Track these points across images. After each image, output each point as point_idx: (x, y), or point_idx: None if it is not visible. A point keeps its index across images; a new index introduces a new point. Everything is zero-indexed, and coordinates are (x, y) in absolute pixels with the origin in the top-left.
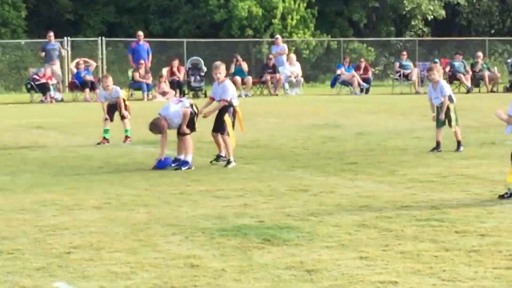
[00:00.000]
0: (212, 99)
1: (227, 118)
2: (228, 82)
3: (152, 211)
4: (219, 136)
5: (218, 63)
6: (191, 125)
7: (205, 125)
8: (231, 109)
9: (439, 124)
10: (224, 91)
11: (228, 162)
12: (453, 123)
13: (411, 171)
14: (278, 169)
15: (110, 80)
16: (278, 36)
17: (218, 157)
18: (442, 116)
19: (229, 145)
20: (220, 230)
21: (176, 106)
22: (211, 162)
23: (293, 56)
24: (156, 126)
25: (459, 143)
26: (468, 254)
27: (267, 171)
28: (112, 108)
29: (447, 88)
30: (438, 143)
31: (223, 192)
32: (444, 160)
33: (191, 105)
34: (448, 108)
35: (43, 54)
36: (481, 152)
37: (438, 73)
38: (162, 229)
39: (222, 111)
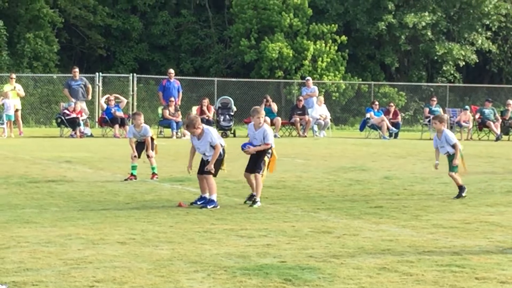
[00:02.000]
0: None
1: (266, 159)
2: (267, 127)
3: (175, 248)
4: (252, 176)
5: (258, 108)
6: (217, 168)
7: (232, 165)
8: (270, 150)
9: (454, 169)
10: (266, 136)
11: (254, 201)
12: (460, 169)
13: (435, 217)
14: (303, 210)
15: (141, 118)
16: (309, 78)
17: (251, 196)
18: (456, 161)
19: (261, 186)
20: (242, 269)
21: (217, 134)
22: (245, 202)
23: (321, 98)
24: (191, 120)
25: (460, 188)
26: None
27: (291, 211)
28: (140, 146)
29: (452, 136)
30: (460, 187)
31: (247, 231)
32: (469, 207)
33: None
34: (453, 155)
35: (66, 91)
36: (507, 200)
37: (442, 123)
38: (185, 266)
39: (263, 152)
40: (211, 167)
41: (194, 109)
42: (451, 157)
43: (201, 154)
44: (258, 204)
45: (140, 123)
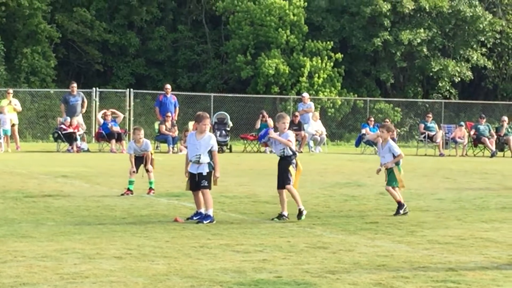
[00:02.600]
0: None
1: (292, 169)
2: (290, 133)
3: (172, 263)
4: (285, 191)
5: (283, 113)
6: (211, 181)
7: (228, 180)
8: (294, 161)
9: (393, 183)
10: (288, 137)
11: (301, 213)
12: (399, 182)
13: (430, 232)
14: (299, 225)
15: (142, 133)
16: (305, 94)
17: (280, 216)
18: (388, 165)
19: (297, 195)
20: (238, 284)
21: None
22: (272, 219)
23: (317, 114)
24: (204, 114)
25: (399, 204)
26: None
27: (287, 227)
28: (139, 160)
29: (397, 147)
30: (399, 203)
31: (243, 246)
32: (464, 223)
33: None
34: (391, 168)
35: (62, 106)
36: (502, 216)
37: (389, 133)
38: (181, 281)
39: (286, 163)
40: (217, 175)
41: (191, 124)
42: (389, 170)
43: (193, 157)
44: (304, 213)
45: (140, 138)
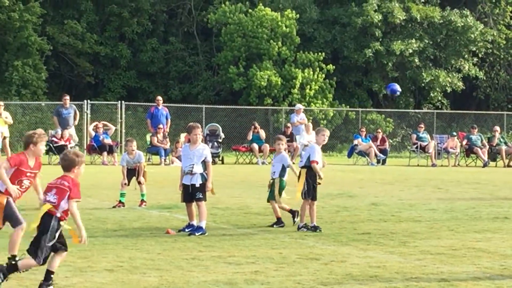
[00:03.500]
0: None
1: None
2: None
3: (163, 275)
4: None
5: (322, 127)
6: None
7: (221, 191)
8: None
9: (271, 196)
10: (313, 151)
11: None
12: (277, 198)
13: (423, 243)
14: (291, 237)
15: (134, 145)
16: (300, 106)
17: (315, 228)
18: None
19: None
20: None
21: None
22: (299, 228)
23: (310, 125)
24: (195, 124)
25: (278, 220)
26: None
27: (279, 238)
28: (131, 173)
29: (289, 159)
30: (278, 219)
31: (235, 258)
32: (456, 233)
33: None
34: (273, 183)
35: (55, 119)
36: (494, 226)
37: (283, 146)
38: None
39: (313, 175)
40: (209, 186)
41: (183, 136)
42: (273, 185)
43: (186, 167)
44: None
45: (133, 150)
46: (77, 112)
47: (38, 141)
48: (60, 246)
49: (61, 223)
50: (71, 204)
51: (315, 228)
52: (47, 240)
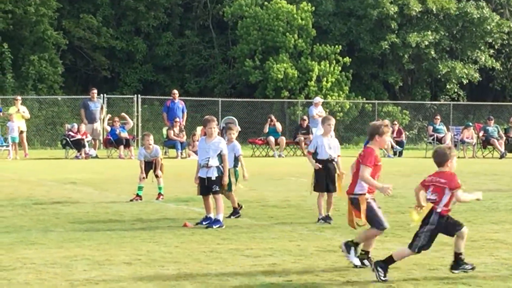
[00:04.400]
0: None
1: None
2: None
3: (181, 268)
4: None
5: (330, 116)
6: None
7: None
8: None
9: (228, 187)
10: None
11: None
12: (233, 187)
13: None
14: (308, 229)
15: (151, 139)
16: (319, 98)
17: (327, 218)
18: (226, 179)
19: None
20: None
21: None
22: (318, 220)
23: None
24: (211, 117)
25: (234, 210)
26: None
27: (297, 231)
28: (148, 166)
29: (240, 148)
30: (234, 209)
31: (252, 251)
32: (474, 225)
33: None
34: (228, 174)
35: (82, 112)
36: None
37: (235, 135)
38: (191, 286)
39: (335, 167)
40: (225, 179)
41: (199, 129)
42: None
43: (202, 160)
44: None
45: (150, 144)
46: (104, 107)
47: (384, 131)
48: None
49: None
50: (457, 195)
51: (324, 219)
52: (425, 230)
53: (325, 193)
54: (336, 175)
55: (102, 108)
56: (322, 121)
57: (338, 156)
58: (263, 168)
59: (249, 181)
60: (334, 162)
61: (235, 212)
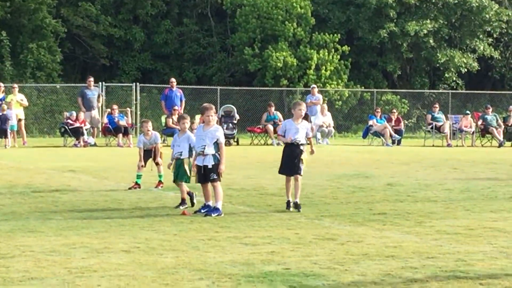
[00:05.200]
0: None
1: (304, 158)
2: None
3: (180, 256)
4: (293, 178)
5: (300, 101)
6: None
7: (236, 173)
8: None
9: (183, 177)
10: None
11: (298, 205)
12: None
13: (439, 223)
14: (307, 217)
15: (150, 125)
16: (314, 86)
17: (296, 205)
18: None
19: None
20: (246, 276)
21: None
22: (288, 208)
23: (325, 106)
24: (209, 105)
25: (182, 200)
26: None
27: (295, 219)
28: (147, 154)
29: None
30: (182, 200)
31: (251, 239)
32: (472, 213)
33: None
34: (182, 164)
35: (79, 100)
36: (510, 206)
37: (187, 124)
38: (190, 274)
39: (299, 151)
40: (222, 168)
41: (198, 118)
42: (179, 163)
43: (198, 148)
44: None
45: (148, 130)
46: (101, 95)
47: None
48: None
49: None
50: None
51: (295, 206)
52: None
53: (291, 177)
54: (302, 158)
55: (99, 96)
56: (293, 106)
57: (309, 138)
58: (262, 157)
59: (248, 169)
60: (300, 146)
61: (183, 202)
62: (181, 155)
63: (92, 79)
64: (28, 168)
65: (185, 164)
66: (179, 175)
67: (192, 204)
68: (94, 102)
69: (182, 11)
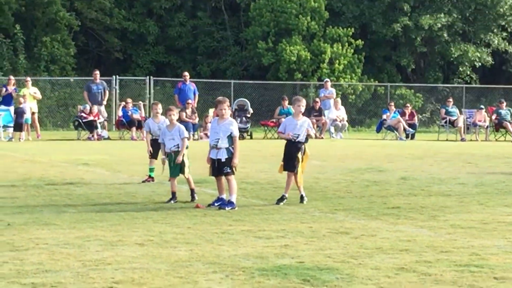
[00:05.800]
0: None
1: (300, 156)
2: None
3: (193, 249)
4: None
5: (299, 97)
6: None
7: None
8: (303, 147)
9: (174, 173)
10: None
11: (302, 198)
12: (186, 169)
13: (453, 217)
14: (320, 211)
15: (159, 107)
16: (328, 80)
17: (282, 198)
18: (180, 158)
19: (290, 185)
20: (260, 269)
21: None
22: (277, 203)
23: (338, 100)
24: (224, 98)
25: (192, 191)
26: None
27: (309, 212)
28: (157, 145)
29: (185, 130)
30: (173, 194)
31: (264, 232)
32: (486, 207)
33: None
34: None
35: (85, 94)
36: None
37: (176, 116)
38: (203, 267)
39: (296, 149)
40: (235, 162)
41: (211, 111)
42: (171, 157)
43: (212, 141)
44: (306, 200)
45: (157, 113)
46: (107, 90)
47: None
48: None
49: None
50: None
51: (281, 199)
52: None
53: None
54: (299, 155)
55: (105, 90)
56: (293, 102)
57: (308, 135)
58: (275, 150)
59: (261, 163)
60: (299, 143)
61: (173, 196)
62: (177, 148)
63: (97, 72)
64: (42, 161)
65: (185, 157)
66: (175, 171)
67: (168, 201)
68: (99, 97)
69: (196, 4)
